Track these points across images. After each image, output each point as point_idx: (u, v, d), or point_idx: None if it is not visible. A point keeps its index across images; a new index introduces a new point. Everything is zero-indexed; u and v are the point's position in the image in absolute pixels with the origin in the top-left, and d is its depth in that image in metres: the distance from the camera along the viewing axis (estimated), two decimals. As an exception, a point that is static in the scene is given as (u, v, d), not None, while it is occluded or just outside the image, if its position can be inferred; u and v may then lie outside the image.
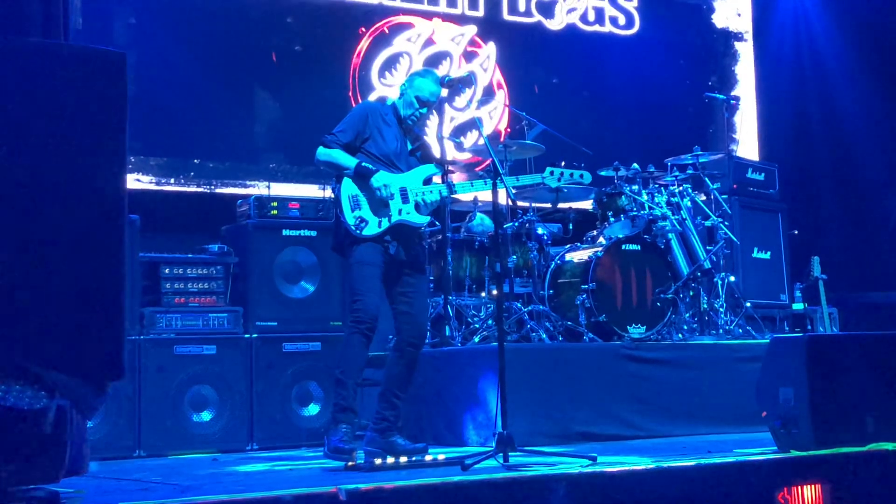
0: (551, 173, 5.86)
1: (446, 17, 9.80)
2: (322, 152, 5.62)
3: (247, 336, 7.00)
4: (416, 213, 5.61)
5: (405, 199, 5.59)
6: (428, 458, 5.39)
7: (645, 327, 7.18)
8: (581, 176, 5.95)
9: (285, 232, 7.26)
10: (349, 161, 5.56)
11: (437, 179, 5.81)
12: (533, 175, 5.95)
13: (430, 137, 7.52)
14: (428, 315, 6.52)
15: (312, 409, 7.13)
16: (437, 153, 6.06)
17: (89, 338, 3.48)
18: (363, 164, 5.54)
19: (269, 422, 6.95)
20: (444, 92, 5.87)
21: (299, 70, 9.12)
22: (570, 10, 10.41)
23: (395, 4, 9.60)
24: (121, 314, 3.57)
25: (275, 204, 7.35)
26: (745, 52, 11.46)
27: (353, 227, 5.51)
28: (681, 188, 7.95)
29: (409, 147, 5.79)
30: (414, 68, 8.95)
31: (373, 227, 5.52)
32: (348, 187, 5.56)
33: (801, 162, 11.02)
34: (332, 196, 5.73)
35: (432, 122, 8.66)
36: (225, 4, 8.85)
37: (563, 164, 5.99)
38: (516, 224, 7.55)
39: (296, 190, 8.69)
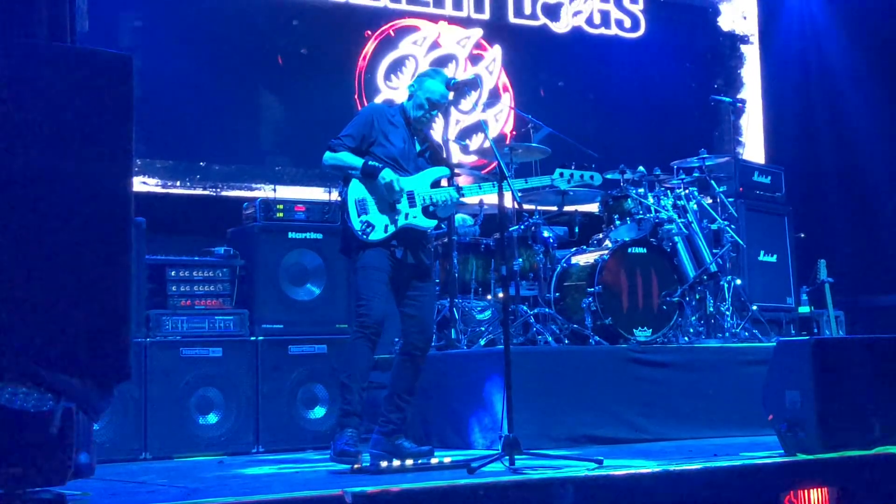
0: (561, 175, 5.83)
1: (452, 20, 9.81)
2: (329, 156, 5.62)
3: (253, 338, 7.01)
4: (423, 217, 5.60)
5: (412, 203, 5.57)
6: (434, 460, 5.38)
7: (651, 330, 7.17)
8: (591, 177, 5.91)
9: (291, 234, 7.26)
10: (356, 161, 5.55)
11: (445, 182, 5.80)
12: (542, 177, 5.91)
13: (436, 140, 7.52)
14: (434, 319, 6.51)
15: (318, 412, 7.13)
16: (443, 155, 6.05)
17: (96, 340, 3.48)
18: (370, 162, 5.53)
19: (275, 424, 6.95)
20: (451, 95, 5.86)
21: (305, 73, 9.13)
22: (576, 13, 10.42)
23: (401, 7, 9.61)
24: (127, 317, 3.57)
25: (280, 206, 7.35)
26: (751, 55, 11.46)
27: (360, 232, 5.50)
28: (687, 191, 7.94)
29: (418, 148, 5.77)
30: (420, 71, 8.96)
31: (379, 232, 5.51)
32: (355, 191, 5.55)
33: (807, 165, 11.00)
34: (339, 199, 5.72)
35: (438, 124, 8.66)
36: (231, 7, 8.86)
37: (573, 165, 5.95)
38: (522, 227, 7.55)
39: (301, 193, 8.70)
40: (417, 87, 5.72)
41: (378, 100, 9.11)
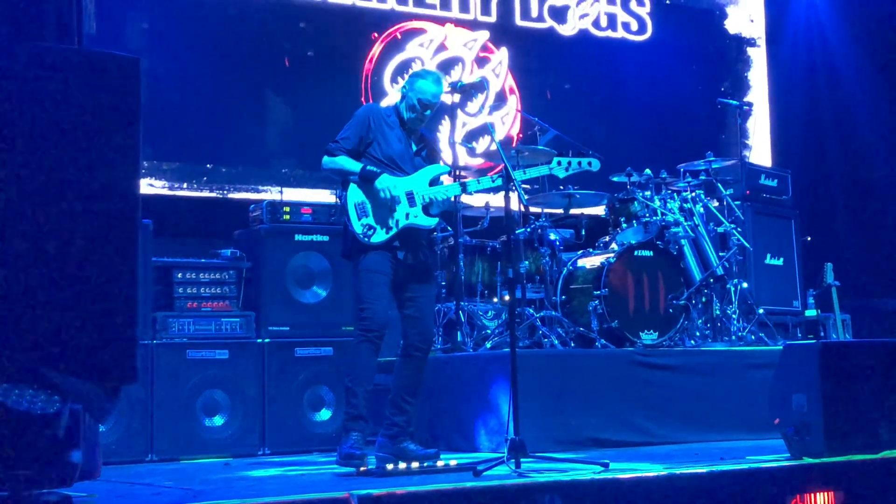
0: (559, 163, 5.78)
1: (459, 23, 9.81)
2: (327, 160, 5.61)
3: (259, 341, 7.00)
4: (423, 216, 5.57)
5: (412, 203, 5.55)
6: (440, 463, 5.38)
7: (657, 333, 7.17)
8: (589, 164, 5.84)
9: (298, 237, 7.25)
10: (354, 166, 5.54)
11: (445, 179, 5.78)
12: (540, 167, 5.86)
13: (443, 143, 7.52)
14: (435, 319, 6.49)
15: (324, 414, 7.12)
16: (449, 158, 6.03)
17: (102, 342, 3.48)
18: (368, 167, 5.53)
19: (281, 427, 6.94)
20: (457, 97, 5.85)
21: (312, 75, 9.15)
22: (583, 16, 10.42)
23: (408, 10, 9.61)
24: (134, 318, 3.57)
25: (287, 209, 7.35)
26: (758, 58, 11.46)
27: (361, 235, 5.48)
28: (693, 194, 7.93)
29: (414, 148, 5.75)
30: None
31: (380, 234, 5.50)
32: (354, 195, 5.54)
33: (814, 168, 11.00)
34: (339, 204, 5.70)
35: (445, 127, 8.68)
36: (238, 10, 8.88)
37: (570, 153, 5.92)
38: (528, 230, 7.55)
39: (308, 195, 8.71)
40: (409, 89, 5.68)
41: (384, 102, 9.10)
